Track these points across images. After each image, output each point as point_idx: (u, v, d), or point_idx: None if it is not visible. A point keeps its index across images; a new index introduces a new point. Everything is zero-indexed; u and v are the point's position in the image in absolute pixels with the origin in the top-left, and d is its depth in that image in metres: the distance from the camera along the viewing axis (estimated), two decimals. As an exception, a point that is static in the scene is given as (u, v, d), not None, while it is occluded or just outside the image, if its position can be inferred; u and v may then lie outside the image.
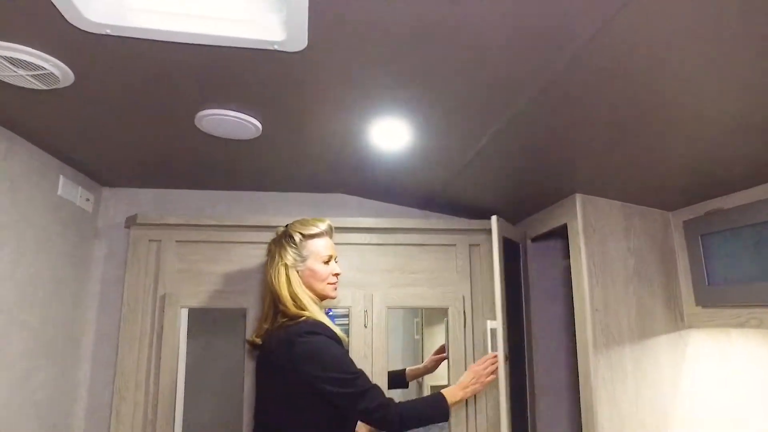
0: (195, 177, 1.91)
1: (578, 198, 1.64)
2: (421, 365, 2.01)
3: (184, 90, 1.19)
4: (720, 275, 1.47)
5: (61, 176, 1.64)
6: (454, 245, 2.02)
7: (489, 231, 2.01)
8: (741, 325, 1.40)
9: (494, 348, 1.66)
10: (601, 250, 1.62)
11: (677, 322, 1.61)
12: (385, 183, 1.93)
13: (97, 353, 1.83)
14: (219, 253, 1.90)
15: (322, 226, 1.56)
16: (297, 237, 1.51)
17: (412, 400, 1.59)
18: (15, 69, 1.07)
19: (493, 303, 1.96)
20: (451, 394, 1.55)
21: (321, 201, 2.08)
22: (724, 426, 1.56)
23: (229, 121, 1.35)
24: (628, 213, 1.67)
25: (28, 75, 1.09)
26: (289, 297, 1.45)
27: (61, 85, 1.15)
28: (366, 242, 1.98)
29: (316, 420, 1.39)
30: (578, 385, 1.60)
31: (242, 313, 1.85)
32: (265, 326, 1.49)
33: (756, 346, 1.58)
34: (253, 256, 1.90)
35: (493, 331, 1.68)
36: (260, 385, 1.51)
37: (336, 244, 1.92)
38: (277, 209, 2.05)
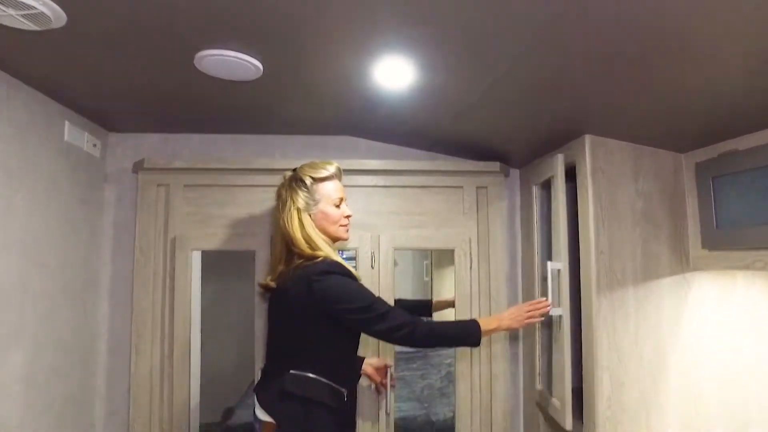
0: (200, 120, 1.89)
1: (587, 139, 1.60)
2: (450, 297, 2.02)
3: (182, 29, 1.15)
4: (728, 218, 1.45)
5: (67, 122, 1.64)
6: (461, 187, 2.01)
7: (496, 173, 2.01)
8: (746, 267, 1.40)
9: (554, 290, 1.66)
10: (609, 192, 1.60)
11: (682, 264, 1.62)
12: (392, 124, 1.89)
13: (115, 293, 1.90)
14: (226, 197, 1.92)
15: (332, 169, 1.56)
16: (308, 181, 1.51)
17: (443, 321, 1.65)
18: (4, 8, 1.04)
19: (499, 245, 2.00)
20: (485, 323, 1.58)
21: (328, 143, 2.06)
22: (721, 362, 1.60)
23: (230, 62, 1.31)
24: (639, 154, 1.63)
25: (18, 15, 1.06)
26: (303, 240, 1.47)
27: (54, 26, 1.12)
28: (373, 184, 1.98)
29: (328, 356, 1.47)
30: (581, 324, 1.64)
31: (251, 256, 1.89)
32: (280, 268, 1.51)
33: (758, 291, 1.59)
34: (261, 199, 1.92)
35: (555, 273, 1.67)
36: (274, 323, 1.57)
37: (343, 186, 1.94)
38: (284, 152, 2.04)
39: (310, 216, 1.50)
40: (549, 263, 1.70)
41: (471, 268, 1.97)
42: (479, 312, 1.96)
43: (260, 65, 1.34)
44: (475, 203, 2.01)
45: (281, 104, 1.71)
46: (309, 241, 1.47)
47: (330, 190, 1.55)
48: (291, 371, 1.44)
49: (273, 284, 1.52)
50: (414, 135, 2.00)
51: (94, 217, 1.84)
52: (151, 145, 1.97)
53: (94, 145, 1.81)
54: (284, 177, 1.58)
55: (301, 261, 1.47)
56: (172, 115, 1.83)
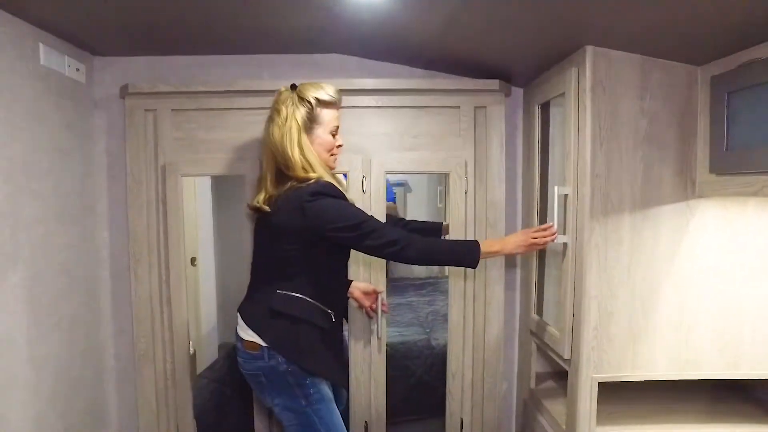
0: (185, 41, 1.80)
1: (588, 51, 1.44)
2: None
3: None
4: (741, 139, 1.30)
5: (41, 44, 1.60)
6: (458, 107, 1.88)
7: (496, 92, 1.87)
8: (755, 193, 1.26)
9: (560, 217, 1.58)
10: (610, 110, 1.46)
11: (687, 190, 1.48)
12: (382, 39, 1.75)
13: (113, 219, 1.95)
14: (214, 120, 1.88)
15: (337, 96, 1.51)
16: (313, 102, 1.46)
17: (443, 240, 1.66)
18: None
19: (497, 169, 1.90)
20: (488, 244, 1.56)
21: (318, 62, 1.95)
22: (718, 294, 1.51)
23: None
24: (648, 68, 1.46)
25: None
26: (299, 161, 1.43)
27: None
28: (365, 105, 1.89)
29: (316, 278, 1.49)
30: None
31: (242, 180, 1.88)
32: (270, 190, 1.49)
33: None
34: (249, 122, 1.86)
35: (562, 198, 1.59)
36: (261, 244, 1.58)
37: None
38: (273, 72, 1.95)
39: (308, 138, 1.47)
40: (556, 188, 1.60)
41: (466, 193, 1.90)
42: (474, 238, 1.91)
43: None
44: (473, 124, 1.89)
45: (263, 18, 1.59)
46: (305, 162, 1.44)
47: (330, 116, 1.51)
48: (278, 291, 1.47)
49: (266, 208, 1.48)
50: (408, 51, 1.86)
51: (86, 144, 1.85)
52: (138, 69, 1.92)
53: (77, 70, 1.78)
54: (282, 91, 1.51)
55: (292, 183, 1.45)
56: (156, 36, 1.76)
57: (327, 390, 1.51)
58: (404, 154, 1.90)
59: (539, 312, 1.89)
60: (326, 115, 1.50)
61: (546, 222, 1.63)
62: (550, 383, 1.97)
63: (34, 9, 1.48)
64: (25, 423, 1.55)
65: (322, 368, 1.49)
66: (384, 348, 1.94)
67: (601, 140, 1.46)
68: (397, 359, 2.38)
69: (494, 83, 1.84)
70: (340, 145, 1.58)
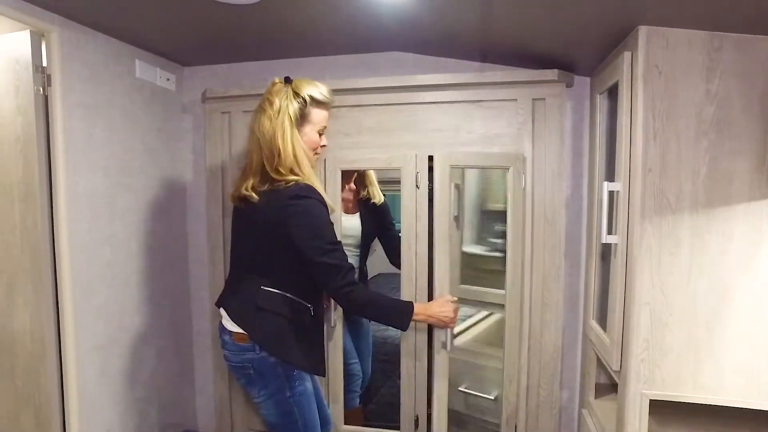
0: (256, 48, 1.98)
1: (642, 32, 1.30)
2: None
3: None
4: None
5: (137, 60, 1.88)
6: (515, 100, 1.80)
7: (554, 82, 1.76)
8: None
9: (607, 215, 1.47)
10: (668, 97, 1.30)
11: (765, 187, 1.27)
12: (438, 34, 1.75)
13: (195, 210, 2.21)
14: (281, 121, 2.03)
15: (330, 98, 1.54)
16: (307, 99, 1.49)
17: (383, 296, 1.57)
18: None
19: (556, 164, 1.79)
20: (417, 312, 1.54)
21: (375, 60, 2.01)
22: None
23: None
24: (717, 45, 1.27)
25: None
26: (290, 155, 1.45)
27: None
28: (419, 101, 1.89)
29: (296, 276, 1.49)
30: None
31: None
32: (252, 181, 1.49)
33: None
34: (312, 122, 1.99)
35: (613, 195, 1.47)
36: (244, 238, 1.58)
37: (387, 105, 1.90)
38: (333, 73, 2.04)
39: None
40: (605, 183, 1.48)
41: (525, 189, 1.81)
42: (531, 238, 1.82)
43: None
44: (531, 117, 1.79)
45: (318, 25, 1.69)
46: (294, 157, 1.45)
47: (321, 116, 1.54)
48: (263, 287, 1.49)
49: (255, 196, 1.47)
50: (463, 45, 1.83)
51: (174, 144, 2.12)
52: (218, 75, 2.15)
53: (168, 80, 2.05)
54: (276, 82, 1.53)
55: (277, 182, 1.45)
56: (233, 46, 1.96)
57: (309, 385, 1.55)
58: (460, 149, 1.87)
59: (599, 318, 1.74)
60: (317, 114, 1.52)
61: (601, 220, 1.50)
62: (612, 396, 1.81)
63: (131, 31, 1.75)
64: (121, 380, 1.84)
65: (305, 362, 1.52)
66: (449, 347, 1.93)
67: (655, 130, 1.31)
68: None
69: (552, 73, 1.73)
70: (324, 145, 1.60)
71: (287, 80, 1.52)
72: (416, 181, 1.89)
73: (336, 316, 1.98)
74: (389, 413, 2.10)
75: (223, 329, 1.54)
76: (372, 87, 1.91)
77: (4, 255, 1.65)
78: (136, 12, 1.57)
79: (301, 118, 1.50)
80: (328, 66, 2.05)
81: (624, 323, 1.41)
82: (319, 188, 1.48)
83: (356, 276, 1.48)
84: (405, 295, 1.92)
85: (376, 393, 2.33)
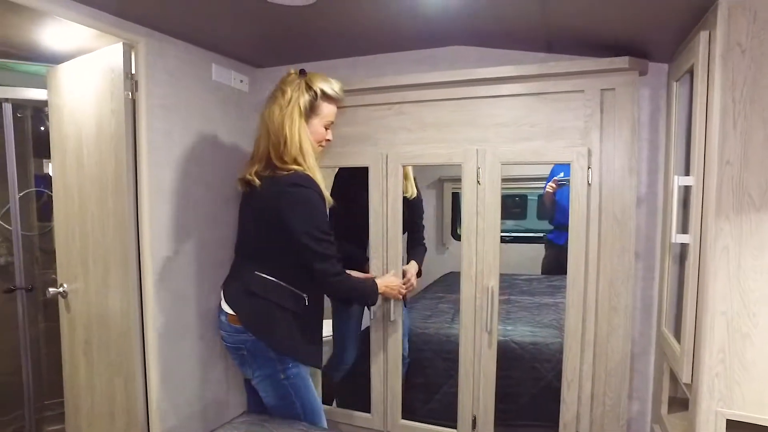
0: (323, 48, 2.04)
1: (722, 6, 1.17)
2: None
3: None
4: None
5: (214, 64, 2.02)
6: (582, 91, 1.71)
7: (626, 71, 1.64)
8: None
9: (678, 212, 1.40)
10: (752, 78, 1.16)
11: None
12: (497, 26, 1.70)
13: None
14: (345, 117, 2.07)
15: (340, 94, 1.60)
16: (318, 92, 1.56)
17: (359, 281, 1.68)
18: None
19: (626, 158, 1.67)
20: (378, 286, 1.75)
21: (436, 55, 1.99)
22: None
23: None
24: (813, 18, 1.11)
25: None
26: (297, 143, 1.50)
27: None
28: (481, 95, 1.85)
29: (291, 263, 1.55)
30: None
31: (365, 171, 2.04)
32: (260, 168, 1.55)
33: None
34: (375, 117, 2.02)
35: (683, 191, 1.39)
36: (245, 224, 1.67)
37: (449, 100, 1.88)
38: (395, 69, 2.05)
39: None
40: (676, 177, 1.36)
41: (590, 185, 1.71)
42: (598, 237, 1.71)
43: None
44: (599, 109, 1.69)
45: (379, 22, 1.71)
46: (300, 146, 1.50)
47: (329, 111, 1.59)
48: (256, 272, 1.56)
49: (257, 180, 1.53)
50: (527, 35, 1.76)
51: (245, 142, 2.25)
52: (288, 75, 2.25)
53: (241, 81, 2.18)
54: (291, 73, 1.60)
55: (279, 170, 1.50)
56: (301, 47, 2.04)
57: (303, 370, 1.59)
58: (521, 144, 1.81)
59: (672, 326, 1.60)
60: (326, 108, 1.57)
61: (671, 215, 1.37)
62: (686, 412, 1.64)
63: (208, 37, 1.89)
64: (194, 363, 1.99)
65: (294, 350, 1.55)
66: (495, 343, 1.88)
67: (735, 117, 1.18)
68: (526, 360, 2.25)
69: (623, 61, 1.61)
70: (329, 140, 1.66)
71: (302, 73, 1.59)
72: (477, 176, 1.86)
73: (396, 312, 2.00)
74: (450, 412, 2.08)
75: (220, 310, 1.65)
76: (433, 82, 1.90)
77: (101, 241, 1.86)
78: (211, 20, 1.69)
79: (311, 111, 1.56)
80: (390, 62, 2.07)
81: (696, 332, 1.28)
82: (320, 180, 1.53)
83: (340, 266, 1.56)
84: (465, 294, 1.90)
85: (438, 391, 2.31)
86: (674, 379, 1.60)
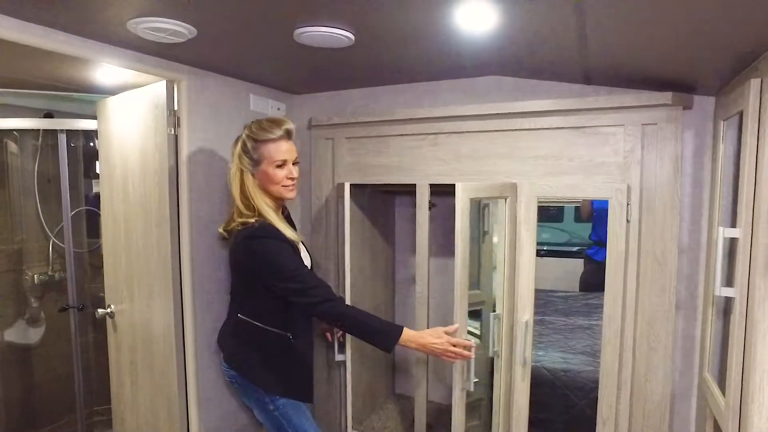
0: (358, 77, 2.06)
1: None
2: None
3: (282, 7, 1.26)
4: None
5: (251, 95, 2.07)
6: (623, 126, 1.66)
7: (669, 106, 1.59)
8: None
9: (723, 264, 1.31)
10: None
11: None
12: (534, 58, 1.67)
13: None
14: (379, 146, 2.09)
15: (277, 132, 1.56)
16: (249, 143, 1.57)
17: (368, 314, 1.59)
18: (158, 34, 1.41)
19: (668, 197, 1.62)
20: (407, 338, 1.53)
21: (473, 86, 1.97)
22: None
23: (323, 35, 1.42)
24: None
25: (167, 36, 1.42)
26: (241, 199, 1.57)
27: (189, 37, 1.45)
28: (517, 128, 1.83)
29: (269, 307, 1.60)
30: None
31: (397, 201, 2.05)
32: (229, 219, 1.64)
33: None
34: (408, 147, 2.03)
35: (729, 242, 1.30)
36: (230, 271, 1.76)
37: (485, 132, 1.86)
38: (432, 99, 2.05)
39: (253, 176, 1.57)
40: (721, 229, 1.31)
41: (629, 222, 1.66)
42: (636, 276, 1.67)
43: (351, 35, 1.42)
44: (640, 144, 1.64)
45: (414, 55, 1.70)
46: (248, 200, 1.56)
47: (272, 151, 1.56)
48: (239, 315, 1.65)
49: (225, 235, 1.66)
50: (565, 67, 1.72)
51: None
52: (323, 103, 2.28)
53: (278, 109, 2.22)
54: (245, 127, 1.62)
55: (240, 221, 1.57)
56: (337, 76, 2.06)
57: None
58: (558, 178, 1.78)
59: (715, 374, 1.55)
60: (267, 150, 1.56)
61: (716, 267, 1.33)
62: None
63: (246, 70, 1.93)
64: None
65: (280, 387, 1.62)
66: (528, 376, 1.87)
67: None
68: (558, 387, 2.23)
69: (665, 97, 1.56)
70: (293, 177, 1.59)
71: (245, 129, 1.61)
72: (515, 212, 1.84)
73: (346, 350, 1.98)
74: None
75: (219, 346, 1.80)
76: (470, 114, 1.89)
77: (146, 268, 1.95)
78: (249, 56, 1.73)
79: (254, 161, 1.57)
80: (427, 91, 2.07)
81: (743, 389, 1.24)
82: (277, 224, 1.56)
83: (329, 293, 1.54)
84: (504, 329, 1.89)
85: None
86: (717, 426, 1.55)
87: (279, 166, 1.57)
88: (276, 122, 1.58)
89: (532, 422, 1.90)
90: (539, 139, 1.80)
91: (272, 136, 1.56)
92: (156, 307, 1.92)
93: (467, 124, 1.90)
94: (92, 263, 2.71)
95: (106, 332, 2.25)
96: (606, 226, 1.70)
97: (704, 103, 1.65)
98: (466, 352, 1.56)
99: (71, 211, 2.52)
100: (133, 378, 2.09)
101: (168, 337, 1.87)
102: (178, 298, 1.85)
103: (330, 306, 1.53)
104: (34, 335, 2.66)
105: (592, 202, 3.04)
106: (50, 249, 2.63)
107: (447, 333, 1.56)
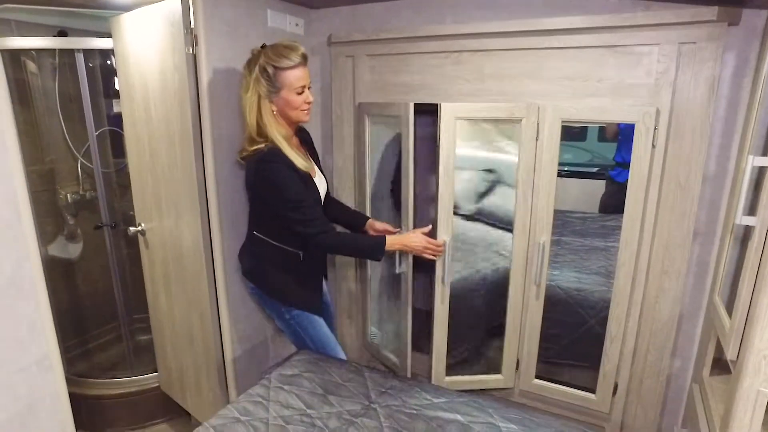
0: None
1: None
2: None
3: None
4: None
5: (269, 10, 1.99)
6: (657, 45, 1.58)
7: (712, 23, 1.50)
8: None
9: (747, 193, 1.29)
10: None
11: None
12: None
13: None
14: (401, 64, 2.03)
15: (296, 59, 1.56)
16: (270, 70, 1.56)
17: (353, 235, 1.82)
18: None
19: (700, 122, 1.57)
20: (391, 243, 1.71)
21: (499, 2, 1.86)
22: None
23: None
24: None
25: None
26: (255, 125, 1.60)
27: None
28: (545, 46, 1.75)
29: (279, 226, 1.70)
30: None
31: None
32: (244, 145, 1.67)
33: None
34: (431, 65, 1.97)
35: (757, 171, 1.27)
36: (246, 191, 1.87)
37: (511, 50, 1.79)
38: (456, 16, 1.95)
39: (271, 102, 1.59)
40: (751, 157, 1.28)
41: (654, 147, 1.63)
42: (657, 201, 1.67)
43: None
44: (675, 65, 1.56)
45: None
46: (261, 126, 1.59)
47: (292, 78, 1.57)
48: (254, 232, 1.77)
49: (241, 161, 1.71)
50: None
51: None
52: (343, 18, 2.18)
53: (297, 24, 2.14)
54: (254, 53, 1.62)
55: (251, 147, 1.61)
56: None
57: (317, 309, 1.83)
58: (584, 101, 1.73)
59: (725, 297, 1.58)
60: (288, 77, 1.57)
61: (740, 195, 1.32)
62: (729, 377, 1.68)
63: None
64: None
65: (280, 295, 1.79)
66: (542, 295, 1.95)
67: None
68: (571, 305, 2.32)
69: (711, 12, 1.46)
70: (310, 102, 1.64)
71: (263, 47, 1.60)
72: (536, 133, 1.81)
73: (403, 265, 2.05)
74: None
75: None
76: (495, 32, 1.80)
77: (172, 187, 2.00)
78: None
79: (274, 88, 1.58)
80: (450, 7, 1.96)
81: (749, 313, 1.28)
82: (287, 151, 1.61)
83: (325, 225, 1.66)
84: (517, 247, 1.93)
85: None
86: (720, 345, 1.62)
87: (298, 93, 1.61)
88: (293, 48, 1.59)
89: (543, 337, 2.01)
90: (567, 58, 1.73)
91: (291, 63, 1.58)
92: (184, 225, 2.00)
93: (492, 41, 1.82)
94: (119, 182, 2.79)
95: (138, 248, 2.38)
96: (630, 146, 1.68)
97: (753, 18, 1.53)
98: (440, 249, 1.79)
99: (95, 131, 2.55)
100: (167, 291, 2.23)
101: (197, 253, 1.97)
102: (204, 215, 1.92)
103: (324, 237, 1.65)
104: (73, 250, 2.82)
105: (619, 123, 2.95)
106: (79, 169, 2.70)
107: (423, 233, 1.77)
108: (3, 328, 1.30)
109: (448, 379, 2.09)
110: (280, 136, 1.62)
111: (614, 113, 1.69)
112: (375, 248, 1.72)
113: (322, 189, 1.80)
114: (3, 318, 1.30)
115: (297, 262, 1.77)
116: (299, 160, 1.63)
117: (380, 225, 1.95)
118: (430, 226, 1.81)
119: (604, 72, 1.68)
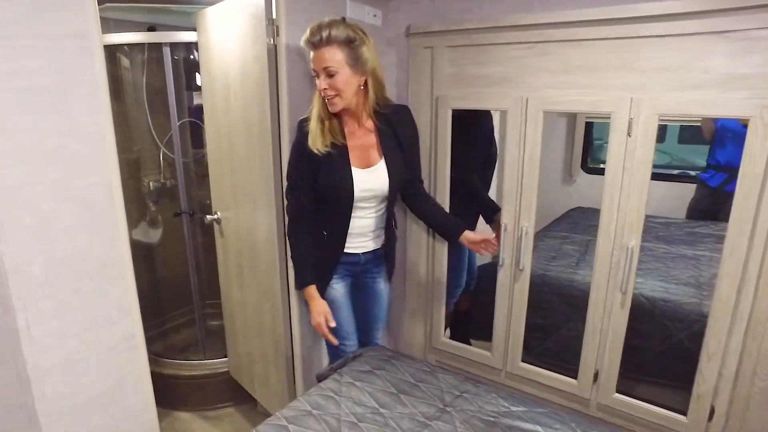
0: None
1: None
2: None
3: None
4: None
5: (348, 1, 1.97)
6: (779, 29, 1.40)
7: None
8: None
9: None
10: None
11: None
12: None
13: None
14: (483, 56, 1.94)
15: (309, 37, 1.50)
16: (302, 46, 1.56)
17: (305, 253, 1.76)
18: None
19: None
20: (306, 293, 1.74)
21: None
22: None
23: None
24: None
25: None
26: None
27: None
28: (642, 34, 1.61)
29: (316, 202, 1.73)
30: None
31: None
32: None
33: None
34: (515, 56, 1.87)
35: None
36: None
37: (600, 39, 1.66)
38: (545, 3, 1.83)
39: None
40: None
41: (772, 146, 1.46)
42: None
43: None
44: (801, 52, 1.39)
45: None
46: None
47: (310, 58, 1.54)
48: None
49: None
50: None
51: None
52: (422, 8, 2.12)
53: (375, 15, 2.11)
54: None
55: None
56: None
57: (338, 294, 1.82)
58: (687, 93, 1.57)
59: None
60: (310, 56, 1.55)
61: None
62: None
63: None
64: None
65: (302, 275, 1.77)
66: (628, 304, 1.81)
67: None
68: (656, 316, 2.15)
69: None
70: (325, 88, 1.54)
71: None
72: (628, 128, 1.68)
73: (525, 260, 1.98)
74: (565, 355, 2.11)
75: None
76: (584, 20, 1.68)
77: (249, 178, 2.04)
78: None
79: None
80: (537, -8, 1.85)
81: None
82: (313, 125, 1.61)
83: (295, 213, 1.73)
84: (601, 251, 1.81)
85: (554, 332, 2.32)
86: None
87: (313, 76, 1.58)
88: (315, 25, 1.49)
89: (625, 349, 1.87)
90: (665, 47, 1.58)
91: (308, 42, 1.52)
92: (259, 216, 2.03)
93: (582, 31, 1.70)
94: (197, 172, 2.90)
95: (214, 236, 2.45)
96: (727, 148, 1.52)
97: None
98: (329, 336, 1.73)
99: (178, 122, 2.66)
100: (240, 280, 2.28)
101: (271, 245, 1.99)
102: (280, 209, 1.94)
103: (291, 228, 1.76)
104: (154, 235, 2.96)
105: (715, 120, 2.70)
106: (161, 158, 2.83)
107: (326, 317, 1.71)
108: (97, 308, 1.36)
109: (522, 365, 2.08)
110: (315, 111, 1.63)
111: (723, 107, 1.53)
112: (299, 279, 1.77)
113: (369, 183, 1.68)
114: (97, 298, 1.36)
115: (322, 241, 1.77)
116: (318, 140, 1.60)
117: (474, 236, 1.82)
118: (334, 324, 1.73)
119: (710, 61, 1.52)
